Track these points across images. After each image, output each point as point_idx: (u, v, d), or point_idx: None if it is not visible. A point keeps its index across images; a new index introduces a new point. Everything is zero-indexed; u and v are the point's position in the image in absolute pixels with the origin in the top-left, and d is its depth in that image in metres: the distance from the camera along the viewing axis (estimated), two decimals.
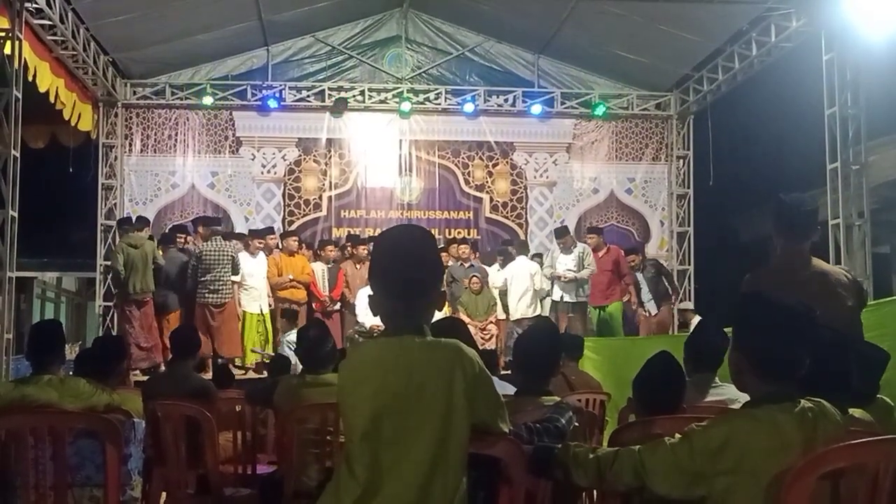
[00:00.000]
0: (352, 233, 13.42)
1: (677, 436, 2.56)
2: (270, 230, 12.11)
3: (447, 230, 14.01)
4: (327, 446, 4.54)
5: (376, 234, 12.82)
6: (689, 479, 2.44)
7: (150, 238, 11.13)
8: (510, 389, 3.62)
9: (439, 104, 14.28)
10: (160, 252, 10.96)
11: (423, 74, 14.51)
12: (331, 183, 14.18)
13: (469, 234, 13.89)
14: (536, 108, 14.19)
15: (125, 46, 12.79)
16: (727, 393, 4.02)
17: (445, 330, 2.72)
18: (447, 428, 2.29)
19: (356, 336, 11.17)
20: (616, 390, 6.44)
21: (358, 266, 11.85)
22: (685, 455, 2.45)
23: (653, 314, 11.92)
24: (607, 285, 11.56)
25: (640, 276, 11.95)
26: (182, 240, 11.39)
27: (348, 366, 2.47)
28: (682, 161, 14.62)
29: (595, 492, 3.46)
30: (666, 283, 12.19)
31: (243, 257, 11.09)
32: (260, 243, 11.36)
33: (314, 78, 14.27)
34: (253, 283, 11.03)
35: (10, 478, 3.74)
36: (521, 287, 11.61)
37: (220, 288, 10.61)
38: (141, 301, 10.64)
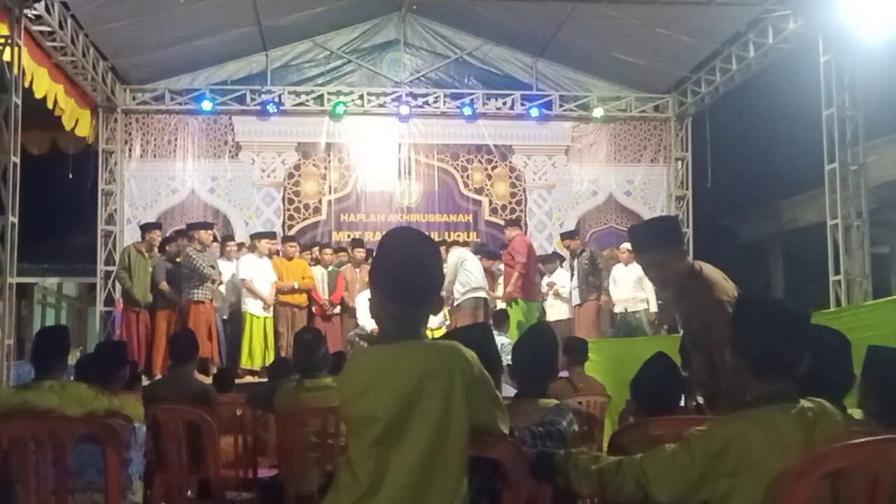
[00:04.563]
0: (352, 236, 13.42)
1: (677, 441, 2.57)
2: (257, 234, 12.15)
3: (447, 233, 14.00)
4: (328, 450, 4.55)
5: (376, 238, 12.91)
6: (691, 484, 2.45)
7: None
8: (510, 392, 3.64)
9: (438, 107, 14.29)
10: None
11: (422, 78, 14.52)
12: (330, 187, 14.19)
13: (468, 237, 13.88)
14: (534, 111, 14.24)
15: (124, 52, 12.80)
16: None
17: (473, 337, 2.77)
18: (445, 429, 2.30)
19: (357, 339, 11.19)
20: (616, 392, 6.45)
21: (357, 270, 11.87)
22: (686, 460, 2.45)
23: (572, 305, 11.81)
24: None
25: (575, 263, 11.83)
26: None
27: (349, 376, 2.48)
28: (680, 163, 14.62)
29: (596, 500, 3.46)
30: (599, 278, 11.66)
31: (250, 259, 11.16)
32: (270, 244, 11.47)
33: (313, 82, 14.27)
34: (258, 286, 11.04)
35: (12, 484, 3.74)
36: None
37: None
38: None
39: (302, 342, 5.15)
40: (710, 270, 3.77)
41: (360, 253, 12.02)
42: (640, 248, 3.95)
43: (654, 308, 11.81)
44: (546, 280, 12.33)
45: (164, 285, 10.63)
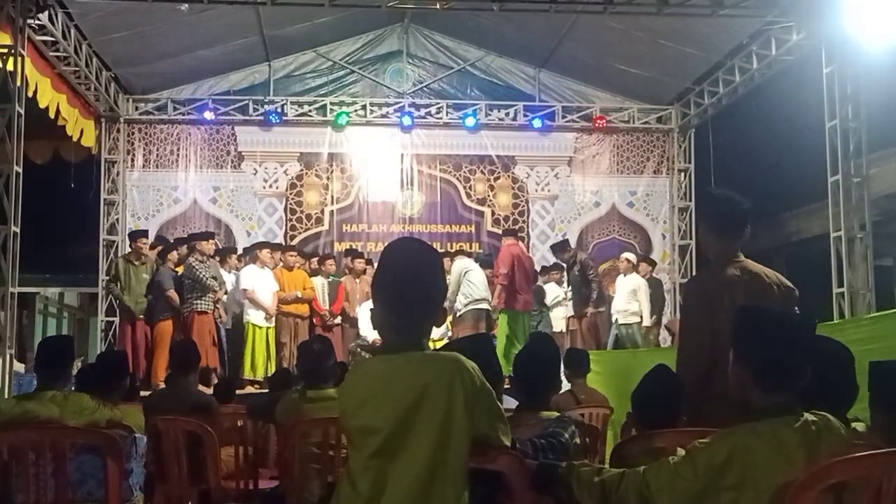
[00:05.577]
0: (353, 247, 13.41)
1: (679, 451, 2.55)
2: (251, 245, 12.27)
3: (449, 244, 13.99)
4: (329, 461, 4.53)
5: (378, 249, 12.91)
6: (694, 496, 2.43)
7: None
8: (513, 404, 3.62)
9: (441, 118, 14.31)
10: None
11: (425, 89, 14.55)
12: (332, 197, 14.20)
13: (471, 248, 13.83)
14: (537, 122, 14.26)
15: (127, 62, 12.84)
16: None
17: (475, 348, 2.76)
18: (446, 440, 2.29)
19: (358, 350, 11.17)
20: (618, 404, 6.43)
21: (357, 280, 11.86)
22: (689, 473, 2.44)
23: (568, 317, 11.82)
24: None
25: (565, 274, 11.87)
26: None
27: (351, 387, 2.47)
28: (683, 174, 14.63)
29: None
30: (590, 290, 11.42)
31: (252, 270, 11.17)
32: (271, 254, 11.48)
33: (316, 93, 14.30)
34: (260, 297, 11.05)
35: (12, 494, 3.73)
36: None
37: None
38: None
39: (311, 352, 5.11)
40: (719, 259, 3.84)
41: (359, 263, 12.01)
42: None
43: (647, 322, 11.75)
44: (563, 290, 12.32)
45: (171, 293, 10.59)
